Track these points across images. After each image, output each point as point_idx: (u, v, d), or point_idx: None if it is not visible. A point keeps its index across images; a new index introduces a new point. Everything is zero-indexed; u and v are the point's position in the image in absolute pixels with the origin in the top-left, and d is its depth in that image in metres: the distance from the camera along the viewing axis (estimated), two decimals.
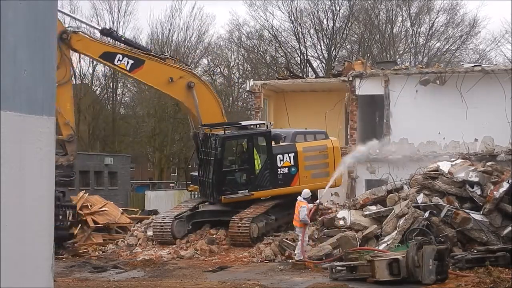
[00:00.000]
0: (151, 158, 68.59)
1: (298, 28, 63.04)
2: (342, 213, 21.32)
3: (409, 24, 63.44)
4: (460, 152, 29.43)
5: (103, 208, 26.92)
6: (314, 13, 62.64)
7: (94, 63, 64.10)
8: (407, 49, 64.12)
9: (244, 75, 65.79)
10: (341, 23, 62.74)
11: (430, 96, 30.60)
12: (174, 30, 66.68)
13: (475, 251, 17.98)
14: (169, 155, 65.62)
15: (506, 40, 67.72)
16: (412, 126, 30.46)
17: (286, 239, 21.45)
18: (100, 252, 23.29)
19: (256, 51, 65.46)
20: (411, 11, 63.11)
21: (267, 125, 24.24)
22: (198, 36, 67.05)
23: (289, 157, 23.37)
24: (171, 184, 65.94)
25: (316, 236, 21.26)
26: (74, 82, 24.18)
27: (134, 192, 62.18)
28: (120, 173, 58.32)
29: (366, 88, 31.43)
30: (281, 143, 23.64)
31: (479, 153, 29.80)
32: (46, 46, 5.20)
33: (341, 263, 17.46)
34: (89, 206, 26.67)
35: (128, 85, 70.06)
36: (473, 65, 32.75)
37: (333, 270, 17.04)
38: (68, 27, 23.56)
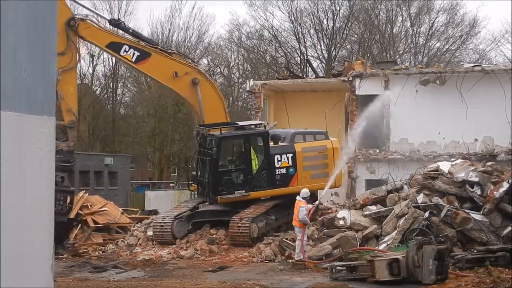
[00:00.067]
0: (151, 158, 68.59)
1: (298, 28, 63.10)
2: (342, 213, 21.32)
3: (409, 24, 63.48)
4: (460, 152, 29.47)
5: (103, 208, 26.93)
6: (314, 13, 62.72)
7: (94, 63, 64.27)
8: (407, 49, 64.14)
9: (244, 75, 65.81)
10: (341, 23, 62.79)
11: (430, 96, 30.62)
12: (174, 30, 66.73)
13: (475, 251, 17.98)
14: (169, 155, 65.62)
15: (506, 40, 67.85)
16: (412, 126, 30.47)
17: (286, 239, 21.44)
18: (100, 252, 23.29)
19: (256, 51, 65.47)
20: (411, 11, 63.15)
21: (265, 126, 24.19)
22: (198, 36, 67.13)
23: (287, 157, 23.29)
24: (171, 184, 65.94)
25: (316, 236, 21.26)
26: (79, 69, 24.45)
27: (134, 192, 62.18)
28: (120, 173, 58.33)
29: (366, 88, 31.44)
30: (280, 144, 23.60)
31: (479, 153, 29.82)
32: (46, 46, 5.20)
33: (341, 263, 17.46)
34: (89, 206, 26.68)
35: (128, 85, 70.14)
36: (473, 65, 32.77)
37: (333, 270, 17.04)
38: (76, 14, 23.52)
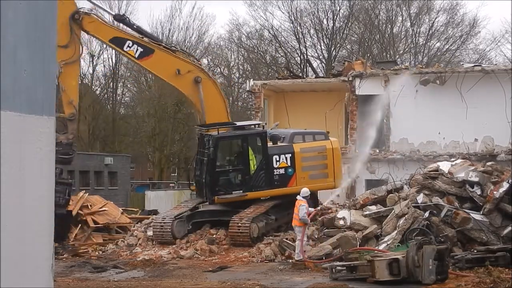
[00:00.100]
0: (151, 158, 68.57)
1: (298, 28, 63.10)
2: (342, 213, 21.32)
3: (409, 24, 63.49)
4: (460, 152, 29.47)
5: (103, 208, 26.93)
6: (314, 13, 62.73)
7: (94, 63, 64.26)
8: (407, 49, 64.14)
9: (244, 75, 65.81)
10: (341, 23, 62.80)
11: (430, 96, 30.62)
12: (174, 30, 66.72)
13: (475, 251, 17.98)
14: (169, 155, 65.62)
15: (506, 40, 67.84)
16: (412, 126, 30.47)
17: (286, 239, 21.44)
18: (100, 252, 23.29)
19: (256, 51, 65.47)
20: (411, 11, 63.15)
21: (263, 126, 24.15)
22: (198, 36, 67.12)
23: (286, 157, 23.23)
24: (171, 184, 65.95)
25: (316, 236, 21.25)
26: (82, 63, 24.86)
27: (134, 192, 62.18)
28: (120, 173, 58.34)
29: (366, 88, 31.44)
30: (279, 144, 23.57)
31: (479, 153, 29.82)
32: (46, 46, 5.20)
33: (341, 263, 17.46)
34: (89, 206, 26.69)
35: (128, 85, 70.14)
36: (473, 65, 32.78)
37: (333, 270, 17.04)
38: (81, 8, 23.62)
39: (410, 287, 15.64)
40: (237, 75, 68.89)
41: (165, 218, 23.03)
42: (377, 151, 31.26)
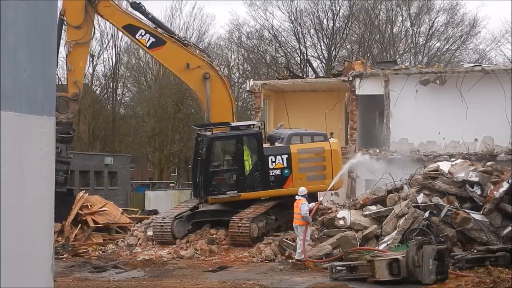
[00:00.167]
0: (151, 158, 68.57)
1: (298, 28, 63.10)
2: (342, 213, 21.30)
3: (409, 24, 63.49)
4: (460, 152, 29.47)
5: (103, 208, 26.93)
6: (314, 13, 62.73)
7: (94, 62, 64.24)
8: (407, 49, 64.15)
9: (244, 75, 65.81)
10: (341, 23, 62.81)
11: (430, 96, 30.62)
12: (174, 30, 66.38)
13: (475, 251, 17.98)
14: (169, 155, 65.62)
15: (506, 40, 67.94)
16: (412, 126, 30.47)
17: (286, 239, 21.43)
18: (100, 252, 23.29)
19: (256, 51, 65.47)
20: (411, 11, 63.15)
21: (259, 126, 24.06)
22: (198, 36, 67.03)
23: (282, 158, 23.04)
24: (171, 184, 65.94)
25: (316, 236, 21.24)
26: (93, 41, 25.39)
27: (134, 192, 62.17)
28: (120, 173, 58.33)
29: (366, 88, 31.44)
30: (277, 144, 23.50)
31: (479, 153, 29.83)
32: (46, 46, 5.20)
33: (341, 263, 17.46)
34: (89, 206, 26.68)
35: (128, 85, 70.15)
36: (473, 65, 32.78)
37: (333, 270, 17.04)
38: None
39: (410, 287, 15.64)
40: (237, 75, 68.91)
41: (165, 218, 23.02)
42: (377, 151, 31.26)
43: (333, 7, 62.29)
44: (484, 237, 18.82)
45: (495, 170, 20.93)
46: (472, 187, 19.99)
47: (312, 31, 63.57)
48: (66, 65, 23.21)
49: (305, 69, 58.89)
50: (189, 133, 58.87)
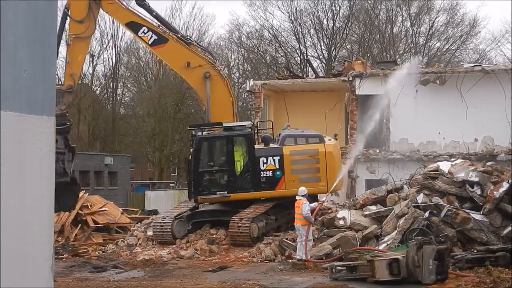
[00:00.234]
0: (151, 158, 68.57)
1: (298, 28, 63.10)
2: (342, 213, 21.31)
3: (409, 24, 63.49)
4: (460, 152, 29.47)
5: (103, 208, 26.94)
6: (314, 13, 62.74)
7: (94, 62, 64.26)
8: (407, 49, 64.14)
9: (244, 75, 65.80)
10: (341, 23, 62.81)
11: (430, 96, 30.61)
12: None
13: (475, 251, 17.98)
14: (169, 155, 65.63)
15: (506, 40, 67.91)
16: (412, 126, 30.46)
17: (286, 239, 21.43)
18: (100, 252, 23.29)
19: (256, 51, 65.47)
20: (411, 11, 63.14)
21: (250, 127, 23.99)
22: (198, 36, 66.95)
23: (274, 160, 22.90)
24: (171, 184, 65.93)
25: (316, 236, 21.24)
26: (93, 41, 26.00)
27: (134, 192, 62.17)
28: (120, 173, 58.32)
29: (366, 88, 31.44)
30: (270, 146, 23.42)
31: (479, 153, 29.83)
32: (46, 46, 5.20)
33: (341, 263, 17.46)
34: (89, 206, 26.70)
35: (128, 85, 70.16)
36: (473, 65, 32.78)
37: (333, 270, 17.04)
38: None
39: (410, 287, 15.64)
40: (237, 75, 68.90)
41: (165, 218, 23.03)
42: (377, 151, 31.27)
43: (333, 7, 62.35)
44: (484, 237, 18.82)
45: (495, 170, 20.93)
46: (472, 187, 19.99)
47: (312, 31, 63.64)
48: (66, 58, 23.71)
49: (305, 69, 58.90)
50: (189, 133, 58.82)
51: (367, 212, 20.87)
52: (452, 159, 23.30)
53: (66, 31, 24.29)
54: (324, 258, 19.17)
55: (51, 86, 5.30)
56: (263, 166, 22.90)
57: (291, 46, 64.31)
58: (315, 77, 38.53)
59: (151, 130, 62.75)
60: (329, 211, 23.96)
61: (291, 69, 47.95)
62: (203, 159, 23.29)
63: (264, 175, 22.92)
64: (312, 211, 19.37)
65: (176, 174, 72.15)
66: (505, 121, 29.35)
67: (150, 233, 23.47)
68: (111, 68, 65.73)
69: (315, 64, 59.51)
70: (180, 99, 63.00)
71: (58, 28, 23.59)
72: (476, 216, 19.21)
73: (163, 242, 22.62)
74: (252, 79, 39.40)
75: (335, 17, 62.59)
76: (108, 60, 65.80)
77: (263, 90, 33.69)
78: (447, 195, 20.10)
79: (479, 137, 30.30)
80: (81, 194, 27.70)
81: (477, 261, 17.46)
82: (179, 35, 25.29)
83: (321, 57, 63.95)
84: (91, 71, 64.86)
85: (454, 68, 32.79)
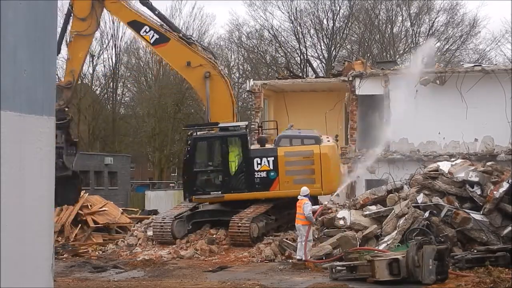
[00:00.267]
0: (151, 158, 68.57)
1: (298, 28, 63.11)
2: (342, 213, 21.30)
3: (409, 24, 63.48)
4: (460, 152, 29.47)
5: (103, 208, 26.94)
6: (314, 13, 62.74)
7: (94, 62, 64.25)
8: (407, 49, 64.13)
9: (244, 75, 65.80)
10: (341, 23, 62.82)
11: (430, 96, 30.60)
12: None
13: (475, 251, 17.97)
14: (169, 155, 65.63)
15: (506, 40, 67.85)
16: (412, 126, 30.45)
17: (286, 239, 21.43)
18: (100, 252, 23.29)
19: (256, 51, 65.46)
20: (411, 11, 63.14)
21: (245, 127, 24.02)
22: (198, 36, 66.92)
23: (268, 161, 22.81)
24: (171, 184, 65.91)
25: (316, 236, 21.24)
26: (92, 46, 26.36)
27: (134, 192, 62.16)
28: (120, 173, 58.31)
29: (366, 88, 31.43)
30: (265, 147, 23.38)
31: (479, 153, 29.82)
32: (46, 46, 5.20)
33: (341, 263, 17.46)
34: (89, 206, 26.70)
35: (128, 85, 70.15)
36: (473, 65, 32.77)
37: (333, 270, 17.04)
38: None
39: (410, 287, 15.64)
40: (237, 75, 68.89)
41: (165, 218, 23.03)
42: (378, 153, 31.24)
43: (333, 7, 62.36)
44: (484, 237, 18.82)
45: (495, 170, 20.93)
46: (472, 187, 19.99)
47: (312, 31, 63.64)
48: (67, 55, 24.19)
49: (305, 69, 58.90)
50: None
51: (367, 212, 20.86)
52: (452, 159, 23.29)
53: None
54: (324, 258, 19.16)
55: (51, 86, 5.30)
56: (257, 166, 22.84)
57: (291, 46, 64.35)
58: (315, 77, 38.53)
59: (151, 130, 62.74)
60: (329, 211, 23.95)
61: (291, 69, 47.95)
62: (198, 159, 23.44)
63: (258, 175, 22.85)
64: (313, 212, 19.36)
65: (176, 174, 72.08)
66: (505, 121, 29.35)
67: (150, 233, 23.47)
68: (111, 68, 65.77)
69: (315, 64, 59.56)
70: (180, 99, 62.99)
71: (61, 25, 24.12)
72: (476, 216, 19.21)
73: (163, 242, 22.62)
74: (252, 79, 39.39)
75: (335, 17, 62.65)
76: (108, 60, 65.86)
77: (263, 90, 33.69)
78: (447, 195, 20.10)
79: (479, 137, 30.29)
80: (81, 192, 27.72)
81: (477, 261, 17.46)
82: (180, 35, 25.37)
83: (321, 57, 64.00)
84: (91, 71, 64.89)
85: (454, 68, 32.78)
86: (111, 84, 66.91)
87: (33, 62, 5.03)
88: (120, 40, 64.31)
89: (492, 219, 19.34)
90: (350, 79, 31.73)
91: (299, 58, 63.79)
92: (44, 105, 5.15)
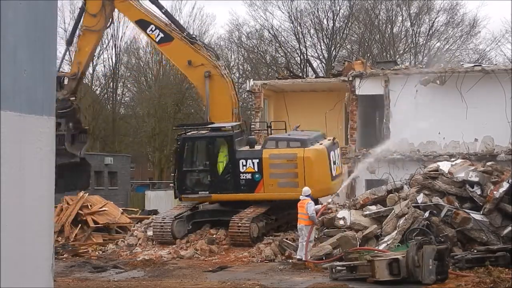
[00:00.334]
0: (151, 158, 68.57)
1: (298, 28, 63.11)
2: (342, 213, 21.28)
3: (409, 24, 63.48)
4: (460, 152, 29.46)
5: (103, 208, 26.94)
6: (314, 13, 62.74)
7: (94, 62, 64.20)
8: (407, 49, 64.14)
9: (244, 75, 65.79)
10: (341, 23, 62.81)
11: (430, 96, 30.60)
12: None
13: (475, 251, 17.97)
14: (169, 155, 65.50)
15: (506, 40, 67.99)
16: (412, 126, 30.41)
17: (286, 239, 21.43)
18: (100, 252, 23.30)
19: (256, 51, 65.47)
20: (411, 11, 63.13)
21: (235, 127, 24.02)
22: (198, 36, 66.90)
23: (253, 162, 22.69)
24: (171, 184, 65.53)
25: (316, 236, 21.23)
26: (104, 35, 27.31)
27: (134, 192, 62.15)
28: (120, 173, 58.30)
29: (366, 88, 31.43)
30: (251, 148, 23.33)
31: (479, 153, 29.81)
32: (46, 46, 5.20)
33: (341, 263, 17.46)
34: (89, 206, 26.70)
35: (128, 85, 70.14)
36: (473, 65, 32.75)
37: (333, 270, 17.04)
38: None
39: (410, 287, 15.64)
40: (237, 75, 68.85)
41: (165, 218, 23.03)
42: (378, 152, 31.23)
43: (333, 7, 62.36)
44: (484, 237, 18.82)
45: (495, 170, 20.92)
46: (472, 187, 19.98)
47: (312, 31, 63.63)
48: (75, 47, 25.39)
49: (305, 69, 58.90)
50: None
51: (367, 212, 20.85)
52: (452, 159, 23.28)
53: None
54: (324, 258, 19.15)
55: (51, 86, 5.30)
56: (243, 168, 22.76)
57: (291, 46, 64.35)
58: (315, 77, 38.52)
59: (151, 130, 62.75)
60: (329, 211, 23.94)
61: (291, 69, 47.94)
62: (186, 159, 23.61)
63: (244, 177, 22.76)
64: (316, 212, 19.35)
65: None
66: (505, 121, 29.33)
67: (150, 233, 23.47)
68: (111, 68, 65.76)
69: (315, 64, 59.56)
70: (180, 99, 62.98)
71: (76, 19, 25.56)
72: (476, 216, 19.20)
73: (163, 242, 22.62)
74: (252, 79, 39.39)
75: (335, 17, 62.65)
76: (108, 60, 65.83)
77: (263, 90, 33.69)
78: (447, 195, 20.09)
79: (479, 137, 30.27)
80: (81, 194, 27.74)
81: (477, 261, 17.46)
82: (185, 34, 25.68)
83: (321, 57, 64.00)
84: (91, 71, 64.83)
85: (454, 68, 32.77)
86: (111, 84, 66.92)
87: (33, 62, 5.03)
88: (120, 40, 64.34)
89: (492, 219, 19.34)
90: (350, 79, 31.73)
91: (299, 58, 63.82)
92: (44, 105, 5.15)
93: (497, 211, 19.44)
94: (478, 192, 19.89)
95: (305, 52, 62.94)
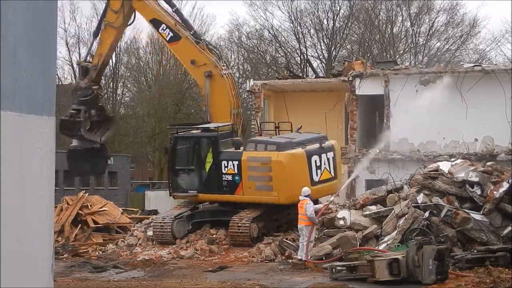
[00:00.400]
0: (151, 158, 68.54)
1: (298, 28, 63.08)
2: (342, 213, 21.29)
3: (409, 24, 63.45)
4: (460, 152, 29.44)
5: (103, 208, 26.95)
6: (314, 13, 62.71)
7: None
8: (407, 49, 64.12)
9: (244, 75, 65.76)
10: (341, 23, 62.78)
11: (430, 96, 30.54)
12: None
13: (475, 251, 17.97)
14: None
15: (506, 40, 67.98)
16: (413, 126, 30.39)
17: (286, 239, 21.43)
18: (100, 252, 23.30)
19: (256, 51, 65.44)
20: (411, 11, 63.11)
21: (232, 128, 24.10)
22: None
23: (233, 164, 22.72)
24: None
25: (316, 236, 21.23)
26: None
27: (134, 192, 62.14)
28: (120, 173, 58.30)
29: (366, 88, 31.42)
30: (234, 150, 23.34)
31: (479, 153, 29.79)
32: (46, 46, 5.20)
33: (341, 263, 17.46)
34: (89, 206, 26.70)
35: (128, 85, 70.12)
36: (473, 65, 32.73)
37: (333, 270, 17.04)
38: None
39: (410, 287, 15.64)
40: (237, 75, 68.76)
41: (165, 218, 23.05)
42: (377, 151, 31.23)
43: (333, 7, 62.33)
44: (484, 237, 18.81)
45: (495, 170, 20.92)
46: (472, 187, 19.98)
47: (312, 31, 63.60)
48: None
49: (305, 69, 58.88)
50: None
51: (367, 212, 20.85)
52: (452, 159, 23.27)
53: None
54: (324, 258, 19.15)
55: (51, 86, 5.30)
56: (225, 169, 22.87)
57: (291, 46, 64.32)
58: (315, 77, 38.50)
59: (151, 130, 62.72)
60: (329, 211, 23.94)
61: (291, 69, 47.93)
62: (177, 158, 24.00)
63: (225, 178, 22.86)
64: (316, 212, 19.34)
65: None
66: (505, 121, 29.30)
67: (150, 233, 23.49)
68: (111, 68, 65.63)
69: (315, 64, 59.53)
70: (180, 99, 62.95)
71: (101, 13, 27.05)
72: (476, 216, 19.20)
73: (163, 242, 22.63)
74: (252, 79, 39.37)
75: (335, 17, 62.62)
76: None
77: (263, 90, 33.68)
78: (447, 195, 20.09)
79: (479, 137, 30.25)
80: (81, 194, 27.75)
81: (477, 261, 17.46)
82: (192, 32, 26.14)
83: (321, 57, 63.97)
84: None
85: (454, 68, 32.75)
86: (111, 84, 66.89)
87: (33, 62, 5.03)
88: (120, 40, 64.28)
89: (492, 219, 19.34)
90: (350, 79, 31.71)
91: (299, 58, 63.79)
92: (44, 105, 5.15)
93: (497, 211, 19.44)
94: (478, 192, 19.88)
95: (305, 52, 62.96)
